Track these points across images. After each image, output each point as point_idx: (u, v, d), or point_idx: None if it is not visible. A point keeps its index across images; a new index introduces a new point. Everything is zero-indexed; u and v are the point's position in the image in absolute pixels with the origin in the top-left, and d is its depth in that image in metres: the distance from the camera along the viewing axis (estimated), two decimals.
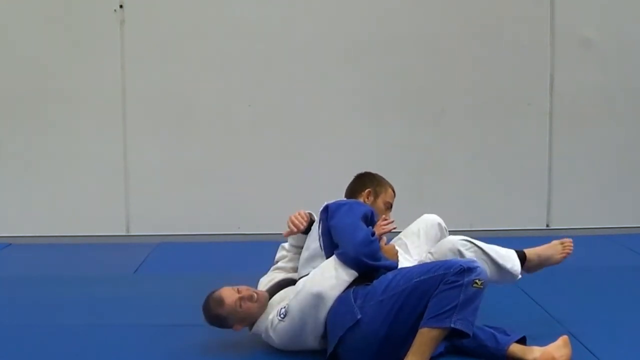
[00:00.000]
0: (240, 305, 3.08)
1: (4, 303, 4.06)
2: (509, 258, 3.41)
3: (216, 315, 3.12)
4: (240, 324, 3.15)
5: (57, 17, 5.80)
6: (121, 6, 5.78)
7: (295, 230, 3.34)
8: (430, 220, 3.60)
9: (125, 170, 5.88)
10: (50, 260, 5.36)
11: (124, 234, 5.92)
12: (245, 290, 3.12)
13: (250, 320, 3.16)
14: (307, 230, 3.34)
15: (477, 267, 2.88)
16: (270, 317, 3.11)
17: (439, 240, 3.51)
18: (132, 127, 5.86)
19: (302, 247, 3.34)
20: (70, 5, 5.80)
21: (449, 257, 3.30)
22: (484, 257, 3.34)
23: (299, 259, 3.34)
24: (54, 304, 4.04)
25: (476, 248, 3.37)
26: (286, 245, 3.49)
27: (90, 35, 5.81)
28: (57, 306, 3.99)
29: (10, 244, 5.77)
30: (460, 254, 3.33)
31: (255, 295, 3.11)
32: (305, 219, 3.35)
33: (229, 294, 3.10)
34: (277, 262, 3.49)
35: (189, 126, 5.92)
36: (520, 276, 3.45)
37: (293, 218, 3.36)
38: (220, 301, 3.09)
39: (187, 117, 5.91)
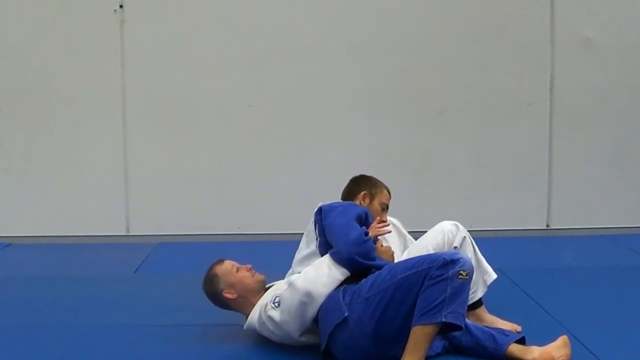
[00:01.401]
0: (237, 270, 3.23)
1: (4, 303, 4.07)
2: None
3: (212, 275, 3.25)
4: (230, 290, 3.21)
5: (57, 17, 5.80)
6: (121, 6, 5.78)
7: None
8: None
9: (125, 170, 5.88)
10: (50, 260, 5.36)
11: (124, 234, 5.92)
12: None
13: (242, 290, 3.20)
14: None
15: (461, 258, 2.87)
16: (265, 301, 3.16)
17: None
18: (132, 127, 5.87)
19: None
20: (70, 5, 5.80)
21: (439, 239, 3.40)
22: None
23: None
24: (54, 304, 4.04)
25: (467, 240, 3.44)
26: None
27: (90, 35, 5.81)
28: (57, 306, 3.99)
29: (10, 244, 5.77)
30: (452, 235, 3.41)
31: (253, 270, 3.25)
32: None
33: (228, 260, 3.30)
34: None
35: (189, 126, 5.92)
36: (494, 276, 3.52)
37: None
38: (219, 261, 3.29)
39: (187, 117, 5.91)
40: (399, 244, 3.61)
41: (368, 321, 2.91)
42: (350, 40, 5.88)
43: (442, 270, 2.81)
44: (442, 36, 5.90)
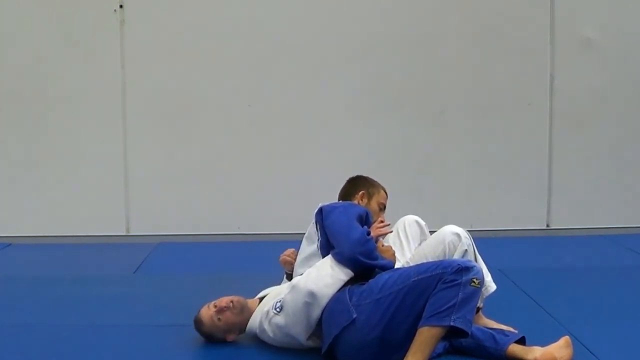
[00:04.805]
0: (219, 319, 3.19)
1: (4, 303, 4.06)
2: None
3: (203, 333, 3.26)
4: (228, 335, 3.23)
5: (57, 17, 5.80)
6: (121, 6, 5.78)
7: (289, 268, 3.41)
8: (408, 219, 3.59)
9: (125, 170, 5.88)
10: (50, 260, 5.36)
11: (124, 234, 5.92)
12: (219, 302, 3.21)
13: (236, 327, 3.23)
14: None
15: (474, 266, 2.90)
16: (266, 309, 3.15)
17: (420, 237, 3.52)
18: (132, 127, 5.86)
19: None
20: (70, 5, 5.80)
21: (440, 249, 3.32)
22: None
23: None
24: (54, 304, 4.04)
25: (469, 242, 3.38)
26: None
27: (90, 35, 5.81)
28: (57, 306, 3.99)
29: (10, 244, 5.77)
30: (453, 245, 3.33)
31: (231, 303, 3.19)
32: (294, 255, 3.41)
33: (205, 312, 3.23)
34: None
35: (189, 126, 5.92)
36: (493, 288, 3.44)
37: (284, 257, 3.46)
38: (199, 321, 3.24)
39: (187, 117, 5.91)
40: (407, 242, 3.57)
41: (376, 323, 2.90)
42: (350, 40, 5.87)
43: (456, 276, 2.83)
44: (442, 36, 5.90)
